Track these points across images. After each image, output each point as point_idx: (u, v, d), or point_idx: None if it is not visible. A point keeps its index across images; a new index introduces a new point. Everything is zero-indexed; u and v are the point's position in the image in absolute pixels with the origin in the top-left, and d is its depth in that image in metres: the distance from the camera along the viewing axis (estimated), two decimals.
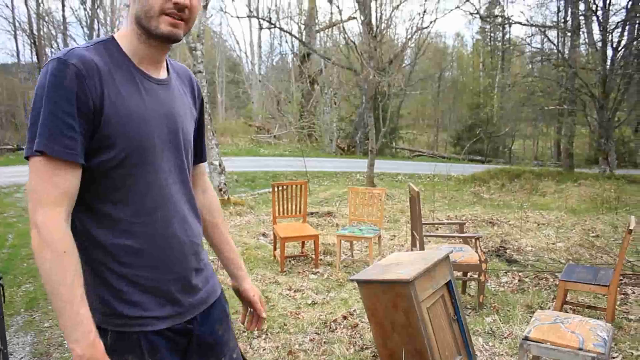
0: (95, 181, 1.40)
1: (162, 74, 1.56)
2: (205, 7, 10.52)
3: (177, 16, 1.43)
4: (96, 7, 29.84)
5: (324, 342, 4.15)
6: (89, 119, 1.34)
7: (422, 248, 4.77)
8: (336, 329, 4.40)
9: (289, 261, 6.47)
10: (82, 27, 31.60)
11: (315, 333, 4.32)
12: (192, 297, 1.57)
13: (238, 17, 37.25)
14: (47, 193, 1.32)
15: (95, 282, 1.43)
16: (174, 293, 1.51)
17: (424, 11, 24.08)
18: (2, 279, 3.28)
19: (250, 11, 27.13)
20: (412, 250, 5.21)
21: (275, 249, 6.50)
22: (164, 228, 1.48)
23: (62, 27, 29.58)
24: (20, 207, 10.34)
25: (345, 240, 6.36)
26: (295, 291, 5.34)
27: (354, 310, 4.75)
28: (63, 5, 29.15)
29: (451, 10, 37.45)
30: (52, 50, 30.50)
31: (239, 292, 1.89)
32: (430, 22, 27.87)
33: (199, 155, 1.80)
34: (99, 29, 30.62)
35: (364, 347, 4.05)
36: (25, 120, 29.95)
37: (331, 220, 9.18)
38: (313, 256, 6.36)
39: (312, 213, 9.58)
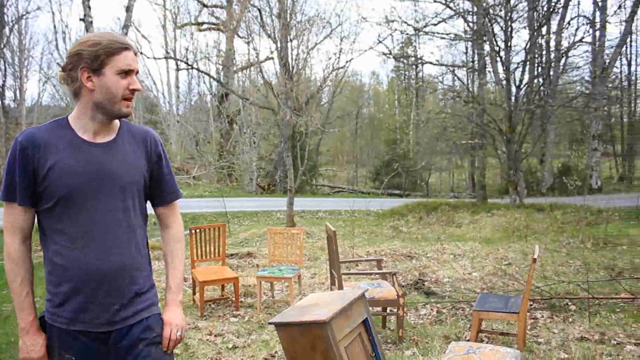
0: (44, 217, 1.99)
1: (107, 138, 2.05)
2: None
3: (131, 98, 2.01)
4: (2, 47, 28.69)
5: None
6: (31, 177, 1.94)
7: (340, 287, 4.81)
8: None
9: (209, 305, 6.36)
10: None
11: None
12: (108, 313, 1.99)
13: (155, 58, 36.87)
14: (7, 225, 1.98)
15: (46, 284, 2.01)
16: (88, 306, 1.96)
17: (340, 51, 24.58)
18: None
19: (167, 52, 26.94)
20: (331, 288, 5.24)
21: (194, 293, 6.37)
22: (83, 255, 1.94)
23: None
24: None
25: (266, 281, 6.32)
26: (215, 336, 5.24)
27: (276, 352, 4.70)
28: None
29: (365, 50, 38.61)
30: None
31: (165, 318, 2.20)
32: (346, 62, 28.73)
33: (160, 197, 2.25)
34: (5, 69, 29.37)
35: None
36: None
37: (251, 261, 9.10)
38: (233, 299, 6.27)
39: (232, 254, 9.46)
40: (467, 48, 25.97)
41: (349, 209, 16.08)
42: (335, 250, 4.92)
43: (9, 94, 30.81)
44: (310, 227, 12.95)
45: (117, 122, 2.10)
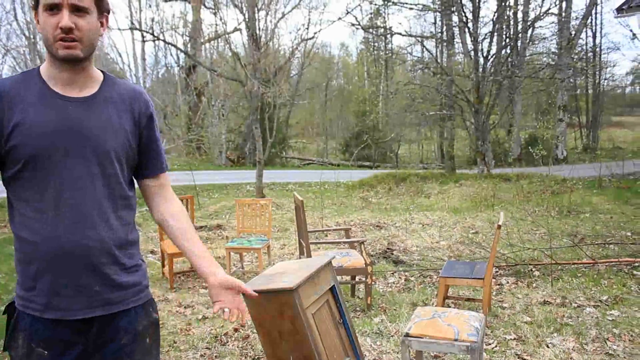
0: (11, 184, 1.71)
1: (85, 93, 1.75)
2: None
3: (68, 39, 1.64)
4: None
5: (215, 356, 4.11)
6: None
7: (309, 255, 4.84)
8: (227, 342, 4.37)
9: (179, 277, 6.34)
10: None
11: (207, 348, 4.26)
12: (86, 296, 1.71)
13: (120, 30, 36.08)
14: None
15: (15, 263, 1.74)
16: (63, 289, 1.68)
17: (309, 22, 24.45)
18: None
19: (132, 23, 26.37)
20: (300, 258, 5.27)
21: (164, 265, 6.35)
22: (53, 227, 1.66)
23: None
24: None
25: (235, 252, 6.33)
26: (185, 307, 5.24)
27: (245, 322, 4.73)
28: None
29: (334, 21, 38.32)
30: None
31: (220, 285, 1.89)
32: (315, 33, 28.53)
33: (152, 167, 1.94)
34: None
35: (256, 357, 4.06)
36: None
37: (221, 233, 9.09)
38: None
39: (201, 227, 9.44)
40: (435, 19, 25.91)
41: (319, 181, 16.12)
42: (303, 219, 4.94)
43: None
44: (280, 199, 12.96)
45: (99, 75, 1.81)
